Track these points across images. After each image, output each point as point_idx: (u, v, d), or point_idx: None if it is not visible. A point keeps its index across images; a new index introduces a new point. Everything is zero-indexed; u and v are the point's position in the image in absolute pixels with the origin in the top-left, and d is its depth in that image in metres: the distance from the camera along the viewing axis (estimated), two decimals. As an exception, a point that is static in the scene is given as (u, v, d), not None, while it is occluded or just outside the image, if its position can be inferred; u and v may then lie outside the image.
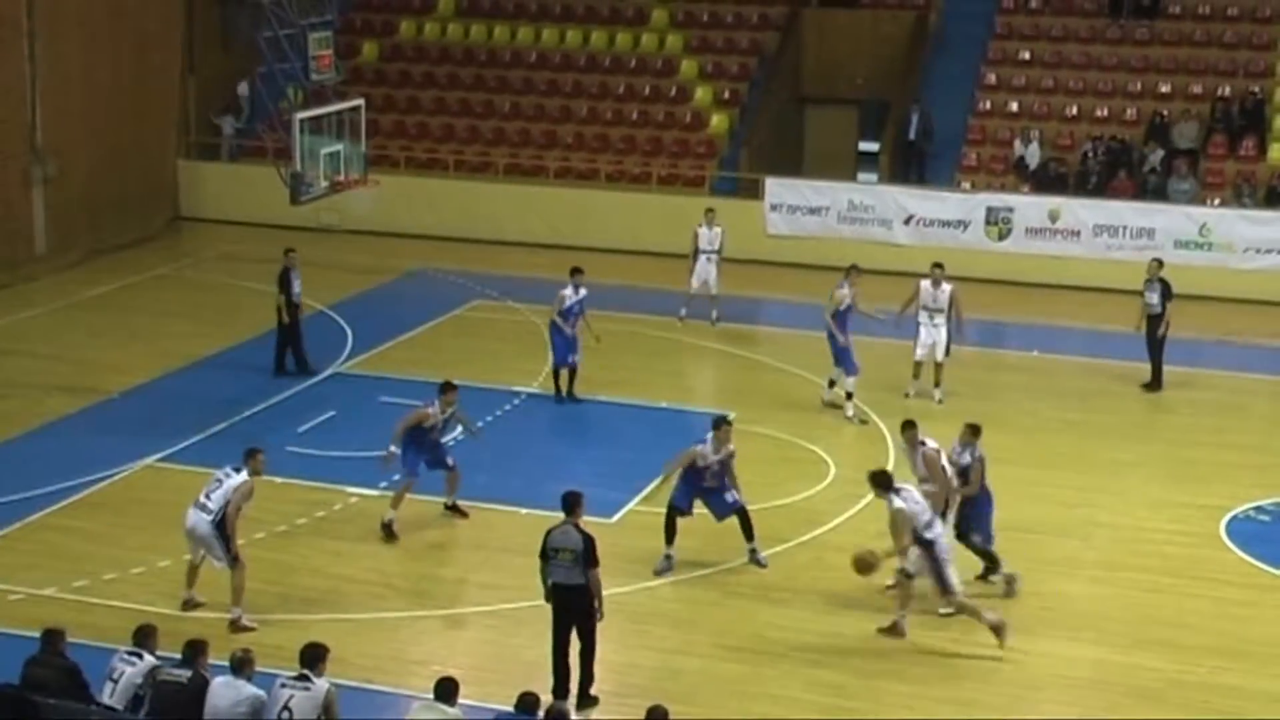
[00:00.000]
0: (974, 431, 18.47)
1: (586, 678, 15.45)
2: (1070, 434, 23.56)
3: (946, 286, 24.48)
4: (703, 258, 28.15)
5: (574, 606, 15.30)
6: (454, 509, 19.79)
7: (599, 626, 15.37)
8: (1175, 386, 25.69)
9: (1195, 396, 25.73)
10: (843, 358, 23.80)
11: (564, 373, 24.26)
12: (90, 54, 32.77)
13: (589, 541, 15.25)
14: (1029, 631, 17.16)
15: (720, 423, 18.81)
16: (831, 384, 24.23)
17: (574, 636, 15.36)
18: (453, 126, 36.89)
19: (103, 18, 33.07)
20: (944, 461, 18.07)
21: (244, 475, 16.75)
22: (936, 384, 24.58)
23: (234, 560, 16.66)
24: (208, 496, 16.64)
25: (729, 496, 18.49)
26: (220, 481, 16.68)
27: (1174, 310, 25.53)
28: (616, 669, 16.23)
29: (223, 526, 16.57)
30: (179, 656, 13.23)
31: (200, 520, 16.61)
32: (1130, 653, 16.86)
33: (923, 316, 24.56)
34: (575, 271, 24.67)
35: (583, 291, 24.43)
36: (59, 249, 32.31)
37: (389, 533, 19.08)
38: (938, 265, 24.84)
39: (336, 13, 27.85)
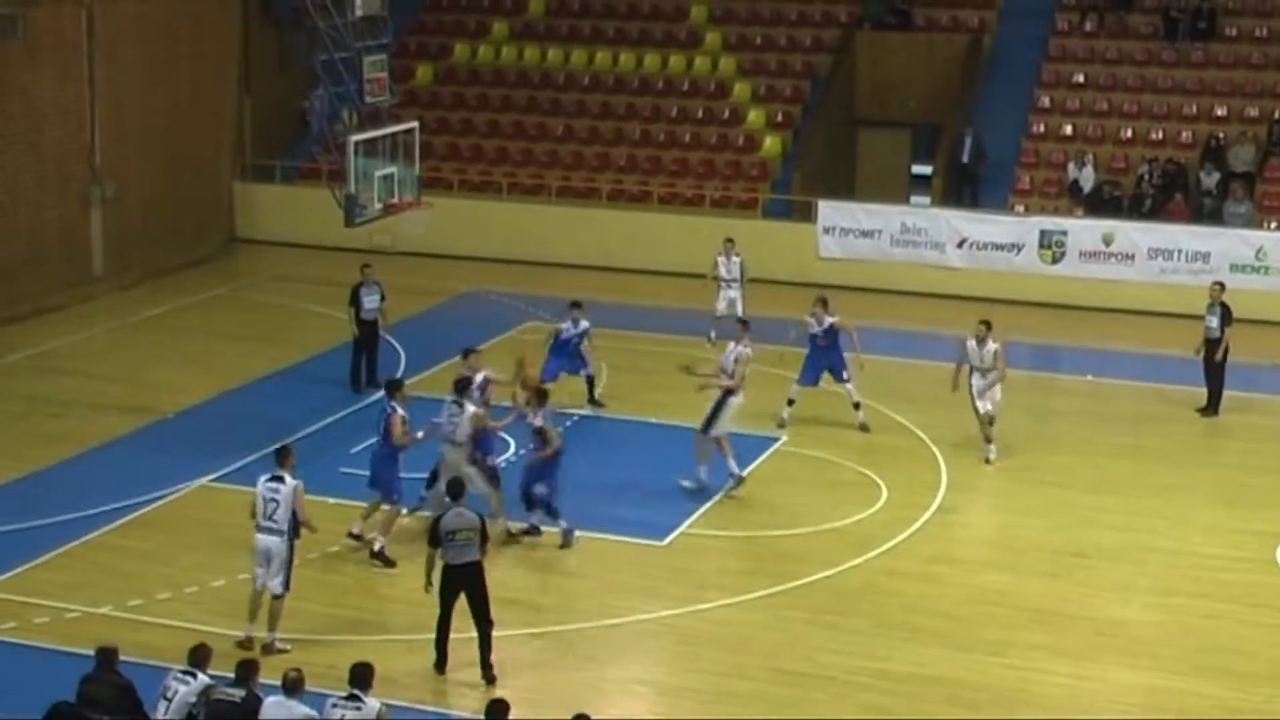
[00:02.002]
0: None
1: (487, 658, 16.16)
2: (1125, 459, 23.41)
3: (992, 345, 23.00)
4: (723, 285, 28.33)
5: (469, 583, 16.09)
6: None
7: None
8: (1231, 411, 25.50)
9: (1251, 421, 25.52)
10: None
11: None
12: (148, 77, 33.10)
13: (483, 519, 16.27)
14: (1083, 657, 17.06)
15: None
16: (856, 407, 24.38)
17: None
18: (506, 149, 37.03)
19: (161, 41, 33.41)
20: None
21: (290, 479, 16.80)
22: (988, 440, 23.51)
23: (287, 586, 16.74)
24: (271, 518, 16.64)
25: None
26: (275, 500, 16.67)
27: (1231, 335, 25.32)
28: (668, 691, 16.25)
29: (295, 539, 16.79)
30: (232, 676, 13.30)
31: (274, 542, 16.61)
32: (1185, 680, 16.72)
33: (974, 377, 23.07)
34: (575, 306, 24.96)
35: (584, 324, 24.78)
36: (116, 270, 32.61)
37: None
38: (984, 323, 23.51)
39: (392, 36, 27.94)
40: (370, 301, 25.42)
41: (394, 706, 14.06)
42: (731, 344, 22.29)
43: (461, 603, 16.25)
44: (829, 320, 24.28)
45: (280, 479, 16.78)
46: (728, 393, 21.44)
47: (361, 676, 13.15)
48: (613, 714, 15.56)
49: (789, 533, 19.93)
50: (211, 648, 13.69)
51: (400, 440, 19.09)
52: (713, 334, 28.36)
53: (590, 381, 24.92)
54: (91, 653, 13.74)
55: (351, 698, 13.00)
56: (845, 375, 24.29)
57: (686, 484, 21.24)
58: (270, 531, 16.61)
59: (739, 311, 27.55)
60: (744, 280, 28.45)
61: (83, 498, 20.56)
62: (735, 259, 28.32)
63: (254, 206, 36.71)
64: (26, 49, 30.11)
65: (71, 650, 15.93)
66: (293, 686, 13.09)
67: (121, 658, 13.66)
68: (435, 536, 16.11)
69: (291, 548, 16.72)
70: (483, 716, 13.11)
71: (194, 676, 13.28)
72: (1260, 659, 17.22)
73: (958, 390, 23.12)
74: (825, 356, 24.39)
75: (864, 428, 24.14)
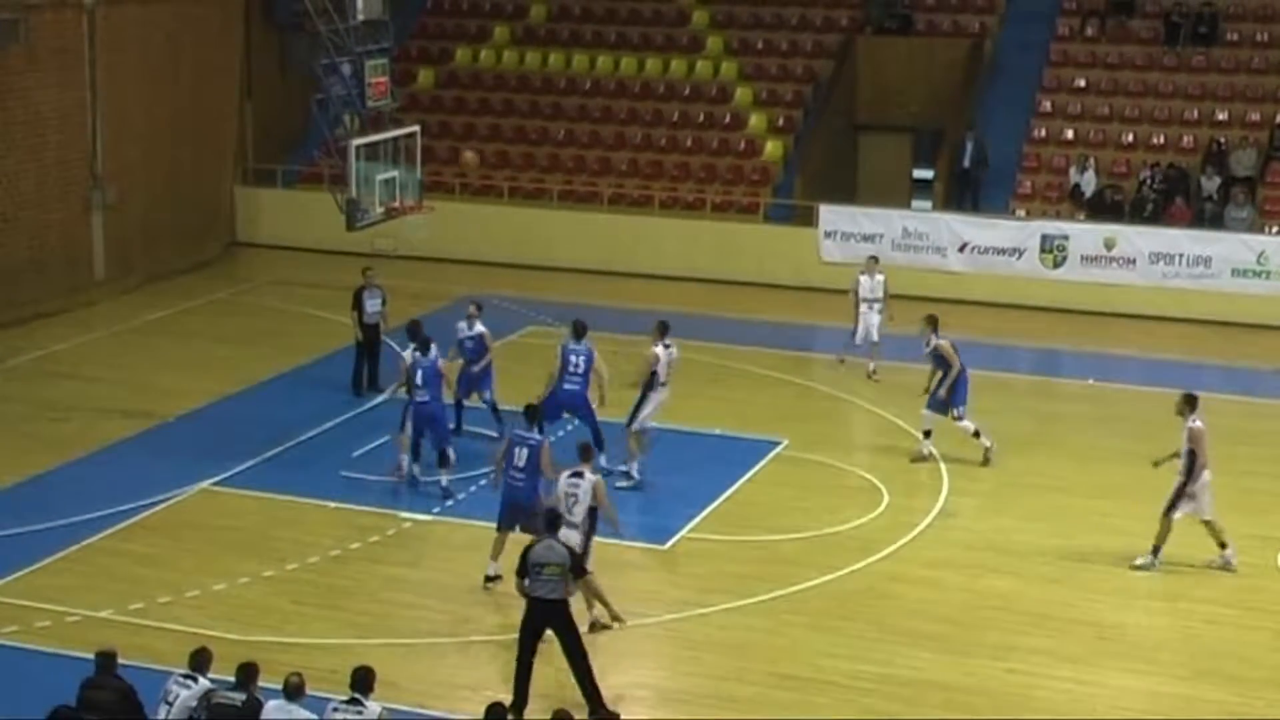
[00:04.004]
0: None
1: (593, 694, 15.45)
2: (1126, 463, 23.33)
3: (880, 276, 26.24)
4: (864, 306, 26.86)
5: (556, 621, 15.46)
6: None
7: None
8: (1232, 416, 25.46)
9: (1254, 426, 25.49)
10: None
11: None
12: (150, 82, 33.10)
13: (574, 554, 15.62)
14: (1084, 662, 17.05)
15: None
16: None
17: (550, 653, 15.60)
18: (507, 153, 37.05)
19: (162, 46, 33.42)
20: None
21: (590, 475, 17.23)
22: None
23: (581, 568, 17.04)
24: (571, 511, 17.01)
25: None
26: (575, 495, 17.02)
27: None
28: (669, 696, 16.24)
29: (589, 534, 17.09)
30: (233, 680, 13.28)
31: (573, 535, 16.87)
32: (1187, 685, 16.70)
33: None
34: (473, 304, 24.04)
35: (478, 327, 23.56)
36: (118, 274, 32.62)
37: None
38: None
39: (393, 40, 27.94)
40: (373, 305, 25.49)
41: (395, 710, 14.06)
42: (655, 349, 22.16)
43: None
44: (934, 341, 23.11)
45: (581, 474, 17.14)
46: (649, 388, 21.83)
47: (363, 680, 13.14)
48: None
49: (790, 537, 19.91)
50: (213, 651, 13.66)
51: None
52: (844, 358, 27.30)
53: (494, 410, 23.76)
54: (92, 656, 13.73)
55: (352, 701, 12.99)
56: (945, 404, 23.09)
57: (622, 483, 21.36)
58: (570, 526, 16.87)
59: (874, 336, 26.69)
60: (886, 299, 27.05)
61: (84, 502, 20.56)
62: (879, 278, 27.03)
63: (255, 210, 36.73)
64: (28, 53, 30.11)
65: (72, 654, 15.91)
66: (294, 691, 13.08)
67: (122, 661, 13.65)
68: (523, 567, 15.52)
69: (588, 540, 17.02)
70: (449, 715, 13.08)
71: (195, 680, 13.27)
72: (1262, 664, 17.20)
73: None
74: (940, 381, 23.03)
75: (922, 454, 23.25)
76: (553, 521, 15.95)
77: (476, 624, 17.68)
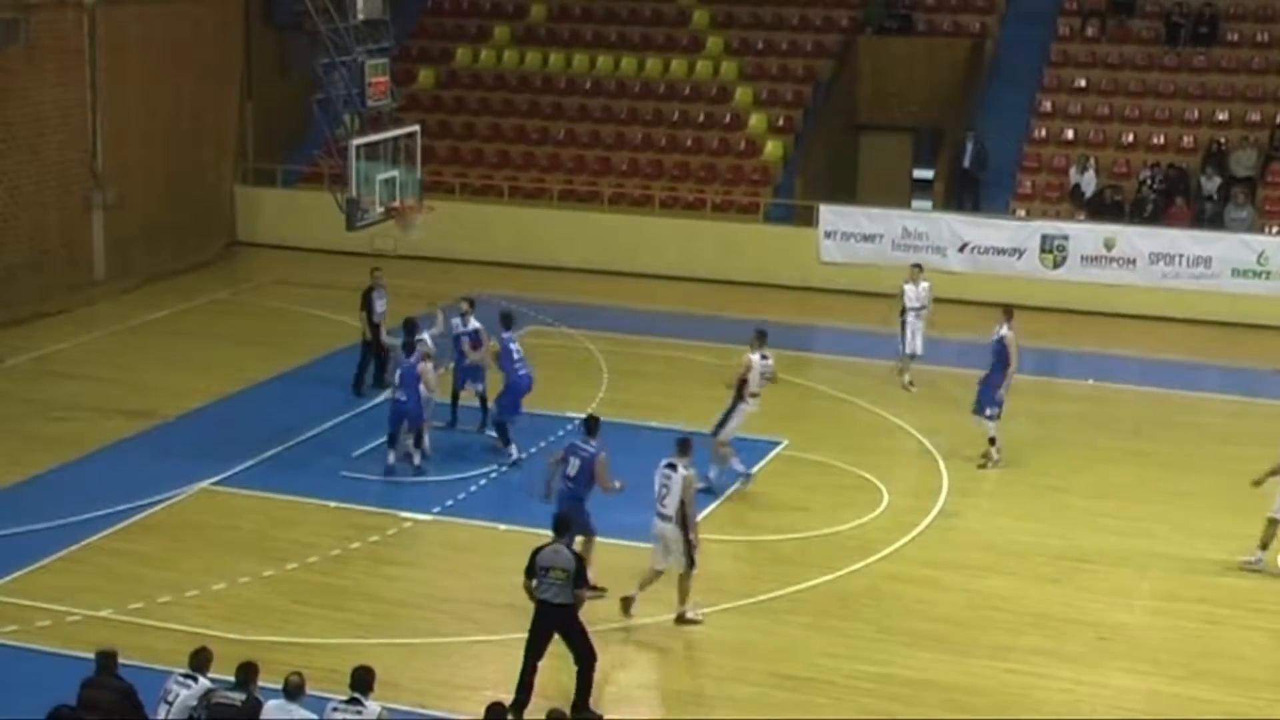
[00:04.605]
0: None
1: (585, 695, 15.51)
2: (1126, 463, 23.40)
3: (924, 284, 25.86)
4: (910, 315, 26.30)
5: (561, 623, 15.49)
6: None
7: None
8: (1233, 416, 25.50)
9: (1253, 426, 25.48)
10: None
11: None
12: (150, 81, 33.13)
13: (579, 561, 15.58)
14: (1084, 662, 17.06)
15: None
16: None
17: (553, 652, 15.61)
18: (508, 153, 37.05)
19: (163, 46, 33.43)
20: None
21: (682, 469, 17.31)
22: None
23: (692, 564, 17.35)
24: (663, 503, 17.22)
25: None
26: (667, 487, 17.21)
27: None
28: (670, 696, 16.27)
29: (685, 524, 17.21)
30: (232, 680, 13.28)
31: (668, 529, 17.21)
32: (1186, 685, 16.71)
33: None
34: (466, 301, 23.91)
35: (473, 323, 23.51)
36: (118, 274, 32.63)
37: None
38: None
39: (393, 40, 27.96)
40: (381, 305, 25.49)
41: (395, 710, 14.06)
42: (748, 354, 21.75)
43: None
44: (1002, 333, 22.90)
45: (674, 466, 17.27)
46: (739, 398, 21.41)
47: (362, 680, 13.13)
48: (615, 718, 15.58)
49: (790, 537, 19.92)
50: (213, 651, 13.65)
51: (607, 485, 18.07)
52: (901, 368, 26.67)
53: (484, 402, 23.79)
54: (92, 656, 13.74)
55: (352, 701, 12.99)
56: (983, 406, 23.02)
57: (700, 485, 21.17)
58: (662, 518, 17.16)
59: (918, 348, 26.26)
60: (930, 306, 26.46)
61: (84, 501, 20.55)
62: (924, 285, 26.42)
63: (255, 210, 36.73)
64: (28, 53, 30.13)
65: (72, 653, 15.92)
66: (294, 690, 13.08)
67: (122, 661, 13.64)
68: (530, 569, 15.58)
69: (687, 531, 17.19)
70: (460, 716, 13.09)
71: (195, 680, 13.26)
72: (1261, 664, 17.22)
73: None
74: (990, 376, 22.90)
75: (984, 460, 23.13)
76: (560, 526, 15.94)
77: (476, 624, 17.68)
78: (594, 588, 16.44)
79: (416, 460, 22.01)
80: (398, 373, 21.85)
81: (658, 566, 17.56)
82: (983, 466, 22.83)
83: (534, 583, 15.51)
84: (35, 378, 26.39)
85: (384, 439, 22.20)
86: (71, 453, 22.67)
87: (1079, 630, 17.84)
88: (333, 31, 24.94)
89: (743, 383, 21.48)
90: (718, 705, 16.05)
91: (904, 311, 26.30)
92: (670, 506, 17.27)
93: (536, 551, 15.60)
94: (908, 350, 26.35)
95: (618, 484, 18.16)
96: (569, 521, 16.17)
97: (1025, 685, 16.58)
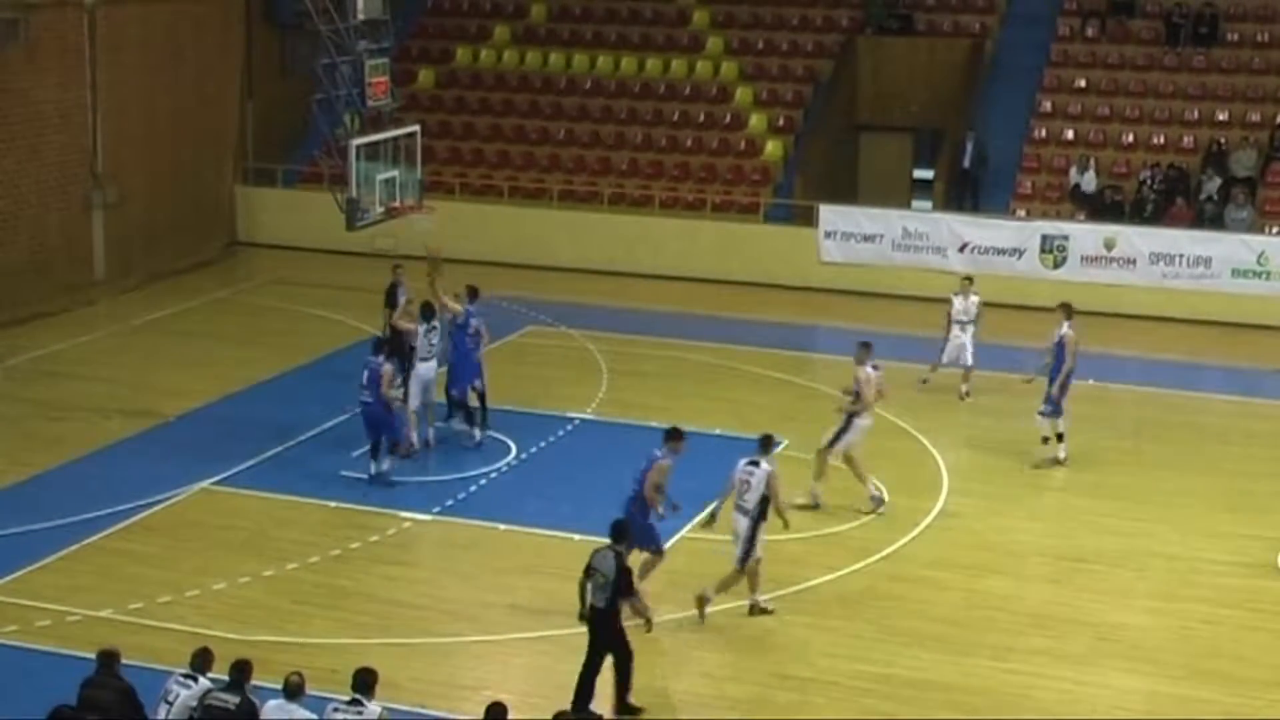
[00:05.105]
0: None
1: (622, 688, 15.56)
2: (1125, 464, 23.40)
3: (974, 297, 25.64)
4: (956, 327, 25.97)
5: (601, 628, 15.48)
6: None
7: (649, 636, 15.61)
8: (1232, 416, 25.51)
9: (1253, 427, 25.52)
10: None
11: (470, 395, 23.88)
12: (150, 81, 33.15)
13: (622, 571, 15.44)
14: (1084, 662, 17.07)
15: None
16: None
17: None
18: (508, 153, 37.05)
19: (163, 45, 33.46)
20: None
21: (765, 465, 17.55)
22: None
23: (745, 560, 17.50)
24: (743, 499, 17.47)
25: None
26: (748, 483, 17.45)
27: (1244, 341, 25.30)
28: (670, 696, 16.24)
29: (758, 522, 17.46)
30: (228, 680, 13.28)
31: (743, 522, 17.47)
32: (1186, 685, 16.72)
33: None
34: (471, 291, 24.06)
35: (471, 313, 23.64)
36: (118, 274, 32.65)
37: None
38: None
39: (393, 40, 27.98)
40: (404, 302, 25.37)
41: (395, 711, 14.07)
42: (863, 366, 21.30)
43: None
44: (1062, 332, 23.00)
45: (756, 463, 17.52)
46: (855, 414, 21.03)
47: (364, 681, 13.14)
48: (615, 718, 15.59)
49: (791, 537, 19.87)
50: (214, 651, 13.67)
51: (654, 498, 17.88)
52: (926, 380, 26.48)
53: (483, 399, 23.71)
54: (93, 656, 13.74)
55: (354, 702, 13.00)
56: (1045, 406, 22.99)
57: (799, 500, 21.04)
58: (742, 512, 17.42)
59: (969, 358, 25.87)
60: (978, 322, 26.16)
61: (84, 501, 20.57)
62: (973, 299, 26.05)
63: (256, 210, 36.73)
64: (28, 53, 30.15)
65: (73, 653, 15.93)
66: (294, 690, 13.09)
67: (122, 661, 13.65)
68: (587, 568, 15.64)
69: (755, 527, 17.42)
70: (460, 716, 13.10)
71: (195, 680, 13.27)
72: (1261, 664, 17.22)
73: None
74: (1054, 376, 22.89)
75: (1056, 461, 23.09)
76: (616, 531, 15.87)
77: (477, 624, 17.70)
78: (647, 617, 16.18)
79: (384, 466, 21.57)
80: (364, 373, 21.44)
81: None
82: (1037, 466, 22.85)
83: (588, 583, 15.57)
84: (35, 377, 26.40)
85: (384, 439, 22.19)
86: (72, 452, 22.68)
87: (1079, 630, 17.84)
88: (333, 31, 24.96)
89: (857, 397, 20.98)
90: (718, 705, 16.04)
91: (950, 324, 25.97)
92: (750, 502, 17.50)
93: (595, 552, 15.69)
94: (945, 360, 26.01)
95: (660, 510, 17.96)
96: (625, 530, 16.05)
97: (1025, 685, 16.59)
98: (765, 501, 17.54)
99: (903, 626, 17.79)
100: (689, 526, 20.34)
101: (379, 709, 13.05)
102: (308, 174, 35.75)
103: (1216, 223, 32.39)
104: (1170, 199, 32.92)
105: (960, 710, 16.06)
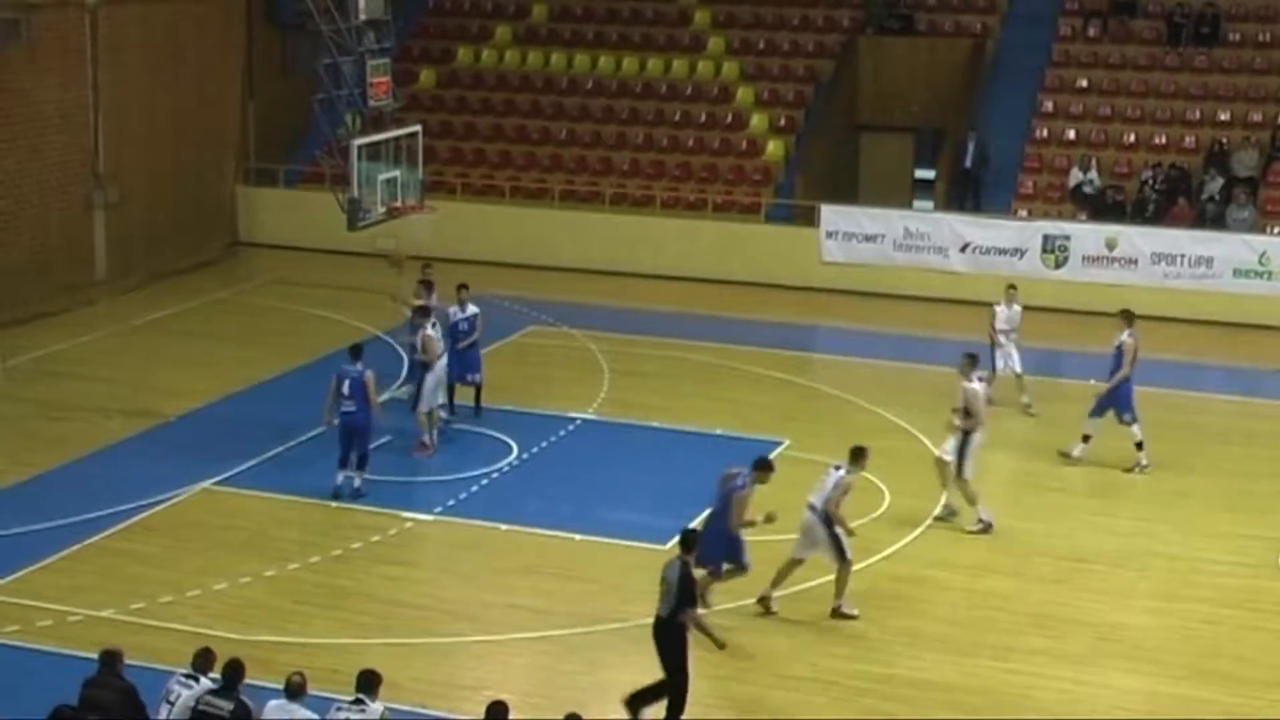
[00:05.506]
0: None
1: (648, 694, 15.41)
2: (1126, 464, 23.36)
3: (1017, 306, 25.23)
4: (1001, 337, 25.50)
5: (662, 640, 15.30)
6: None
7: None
8: (1233, 416, 25.51)
9: (1253, 427, 25.52)
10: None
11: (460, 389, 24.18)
12: (151, 81, 33.16)
13: (685, 581, 15.24)
14: (1084, 662, 17.07)
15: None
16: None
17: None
18: (509, 153, 37.06)
19: (164, 45, 33.47)
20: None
21: (843, 472, 17.92)
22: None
23: (843, 557, 17.78)
24: (815, 495, 17.82)
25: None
26: (824, 482, 17.80)
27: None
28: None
29: (829, 521, 17.70)
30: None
31: (812, 519, 17.74)
32: (1186, 685, 16.71)
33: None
34: (461, 288, 24.32)
35: (471, 309, 24.08)
36: (119, 273, 32.65)
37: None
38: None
39: (395, 40, 27.99)
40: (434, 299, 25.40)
41: (396, 711, 14.07)
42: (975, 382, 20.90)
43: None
44: (1123, 339, 22.95)
45: (839, 468, 17.93)
46: (970, 430, 20.62)
47: (368, 682, 13.17)
48: (615, 718, 15.58)
49: (792, 537, 19.86)
50: (215, 652, 13.68)
51: (739, 525, 17.61)
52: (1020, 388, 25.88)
53: (478, 390, 24.19)
54: (94, 656, 13.75)
55: (356, 702, 13.02)
56: (1102, 406, 22.99)
57: (938, 513, 20.95)
58: (811, 509, 17.76)
59: (1017, 367, 25.51)
60: (1019, 333, 25.66)
61: (85, 501, 20.57)
62: (1016, 308, 25.56)
63: (257, 210, 36.74)
64: (29, 53, 30.16)
65: (74, 653, 15.94)
66: (295, 690, 13.10)
67: (124, 661, 13.65)
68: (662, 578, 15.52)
69: (829, 526, 17.68)
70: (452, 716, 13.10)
71: (197, 680, 13.27)
72: (1262, 664, 17.22)
73: None
74: (1121, 383, 22.83)
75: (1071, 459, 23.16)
76: (685, 540, 15.70)
77: (478, 624, 17.69)
78: (711, 635, 15.87)
79: (356, 483, 20.95)
80: (345, 383, 20.83)
81: (797, 555, 18.02)
82: (1129, 470, 22.94)
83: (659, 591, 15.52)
84: (36, 378, 26.40)
85: (385, 439, 22.20)
86: (73, 453, 22.68)
87: (1080, 630, 17.84)
88: (334, 31, 24.98)
89: (968, 413, 20.60)
90: (718, 705, 16.04)
91: (995, 334, 25.58)
92: (819, 500, 17.74)
93: (666, 563, 15.58)
94: (1009, 369, 25.54)
95: (748, 518, 17.70)
96: (692, 540, 15.80)
97: (1026, 685, 16.59)
98: (827, 502, 17.81)
99: (903, 626, 17.80)
100: (690, 527, 20.35)
101: (381, 708, 13.07)
102: (309, 174, 35.75)
103: (1218, 223, 32.39)
104: (1172, 199, 32.92)
105: (961, 710, 16.06)
